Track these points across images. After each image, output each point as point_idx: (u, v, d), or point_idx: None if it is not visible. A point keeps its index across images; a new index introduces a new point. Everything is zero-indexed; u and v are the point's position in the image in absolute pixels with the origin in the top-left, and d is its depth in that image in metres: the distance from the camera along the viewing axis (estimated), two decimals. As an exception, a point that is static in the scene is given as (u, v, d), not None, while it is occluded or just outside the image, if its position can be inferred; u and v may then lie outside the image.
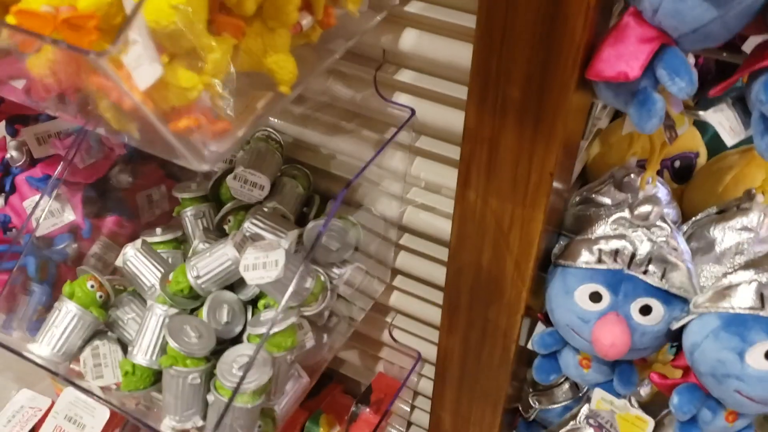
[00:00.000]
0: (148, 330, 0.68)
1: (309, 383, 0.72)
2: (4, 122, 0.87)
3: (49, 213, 0.79)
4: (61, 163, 0.71)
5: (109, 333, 0.72)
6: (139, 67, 0.37)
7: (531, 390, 0.99)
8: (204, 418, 0.66)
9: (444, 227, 0.80)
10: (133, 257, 0.73)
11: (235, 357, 0.64)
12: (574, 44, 0.56)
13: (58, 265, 0.76)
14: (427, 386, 0.99)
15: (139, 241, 0.74)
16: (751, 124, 0.60)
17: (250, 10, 0.47)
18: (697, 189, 0.87)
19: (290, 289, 0.62)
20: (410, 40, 0.67)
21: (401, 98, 0.72)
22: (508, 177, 0.67)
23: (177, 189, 0.80)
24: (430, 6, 0.66)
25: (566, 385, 0.96)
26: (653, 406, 0.84)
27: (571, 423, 0.92)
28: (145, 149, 0.47)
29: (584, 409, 0.92)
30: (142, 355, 0.67)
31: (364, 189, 0.82)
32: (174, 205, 0.91)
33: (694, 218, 0.78)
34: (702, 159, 0.89)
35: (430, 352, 0.94)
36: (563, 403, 0.97)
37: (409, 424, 1.06)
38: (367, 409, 0.93)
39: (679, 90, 0.55)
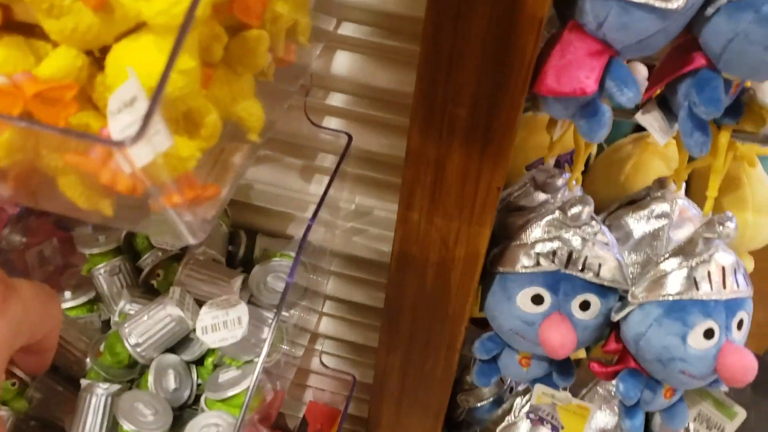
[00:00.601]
0: (89, 415, 0.59)
1: (268, 436, 0.68)
2: None
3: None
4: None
5: (32, 422, 0.63)
6: (141, 142, 0.31)
7: (457, 390, 1.00)
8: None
9: (377, 248, 0.78)
10: (50, 332, 0.63)
11: (200, 429, 0.58)
12: (525, 62, 0.56)
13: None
14: (358, 407, 0.97)
15: (54, 313, 0.65)
16: (678, 123, 0.64)
17: (217, 55, 0.42)
18: (597, 179, 0.92)
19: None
20: (343, 63, 0.64)
21: (331, 123, 0.69)
22: (454, 195, 0.66)
23: (82, 244, 0.71)
24: (361, 27, 0.63)
25: (491, 381, 0.98)
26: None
27: (507, 419, 0.95)
28: (114, 225, 0.41)
29: (518, 403, 0.95)
30: (86, 443, 0.59)
31: (286, 218, 0.78)
32: (67, 257, 0.81)
33: (608, 210, 0.82)
34: (593, 150, 0.94)
35: (362, 373, 0.92)
36: (490, 399, 1.00)
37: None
38: (308, 443, 0.89)
39: (627, 100, 0.58)
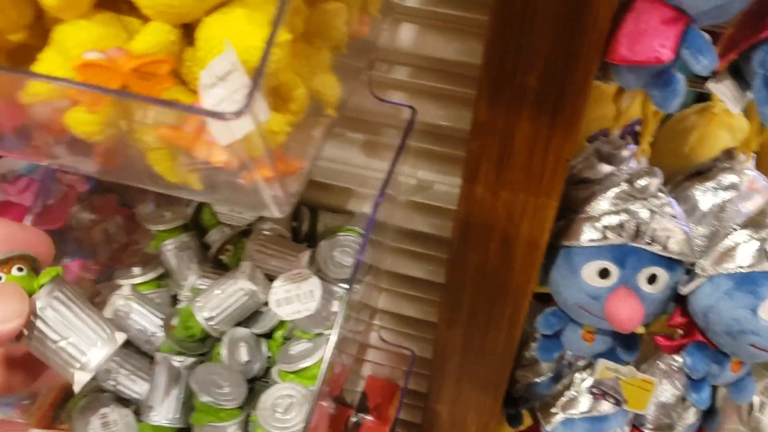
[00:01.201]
0: (164, 386, 0.61)
1: (335, 410, 0.68)
2: None
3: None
4: (29, 215, 0.61)
5: (106, 393, 0.64)
6: (246, 115, 0.31)
7: (515, 366, 1.00)
8: (245, 471, 0.61)
9: (438, 223, 0.78)
10: (124, 306, 0.65)
11: (274, 400, 0.59)
12: (599, 30, 0.55)
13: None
14: (416, 382, 0.97)
15: (126, 288, 0.66)
16: (753, 91, 0.62)
17: (299, 28, 0.42)
18: (661, 151, 0.89)
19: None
20: (407, 36, 0.64)
21: (393, 96, 0.69)
22: (521, 167, 0.65)
23: (148, 221, 0.72)
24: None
25: (550, 356, 0.97)
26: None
27: (567, 393, 0.94)
28: (201, 199, 0.41)
29: (578, 378, 0.94)
30: (163, 414, 0.60)
31: (347, 193, 0.78)
32: (130, 234, 0.83)
33: (673, 182, 0.81)
34: (655, 121, 0.92)
35: (421, 348, 0.92)
36: (549, 375, 0.99)
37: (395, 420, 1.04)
38: (369, 417, 0.90)
39: (703, 68, 0.56)
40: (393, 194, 0.76)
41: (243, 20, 0.33)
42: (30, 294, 0.34)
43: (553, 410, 0.91)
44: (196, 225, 0.73)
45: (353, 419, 0.90)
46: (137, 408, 0.63)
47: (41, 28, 0.40)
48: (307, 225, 0.74)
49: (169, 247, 0.71)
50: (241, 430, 0.59)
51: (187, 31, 0.37)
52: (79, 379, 0.31)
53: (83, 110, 0.35)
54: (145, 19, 0.36)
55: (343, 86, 0.47)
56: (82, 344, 0.32)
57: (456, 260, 0.75)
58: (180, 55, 0.36)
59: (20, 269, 0.34)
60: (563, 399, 0.94)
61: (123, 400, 0.64)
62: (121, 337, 0.33)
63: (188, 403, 0.62)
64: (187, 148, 0.35)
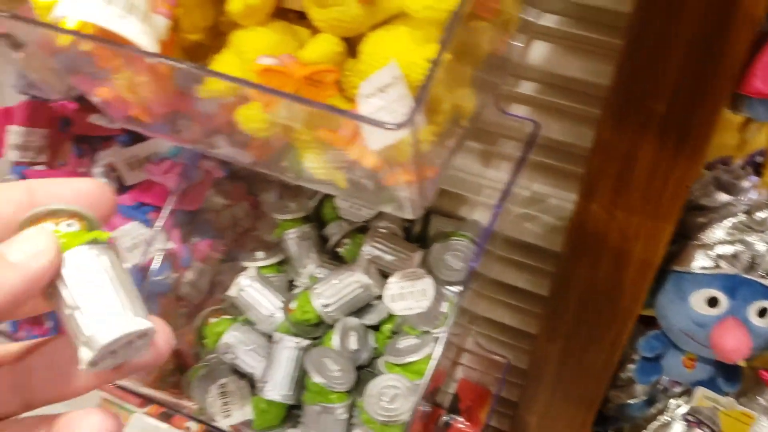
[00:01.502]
0: (280, 364, 0.65)
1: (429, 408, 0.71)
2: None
3: (142, 242, 0.76)
4: (172, 195, 0.67)
5: (224, 365, 0.70)
6: (407, 126, 0.34)
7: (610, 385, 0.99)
8: (347, 452, 0.64)
9: (547, 236, 0.79)
10: (248, 287, 0.70)
11: (380, 389, 0.62)
12: (735, 62, 0.55)
13: (159, 298, 0.73)
14: (506, 390, 0.99)
15: (252, 270, 0.71)
16: None
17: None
18: (782, 184, 0.87)
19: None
20: (538, 53, 0.66)
21: (517, 110, 0.71)
22: (640, 190, 0.66)
23: (275, 210, 0.77)
24: (561, 18, 0.64)
25: (645, 380, 0.96)
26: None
27: (660, 418, 0.93)
28: (342, 196, 0.45)
29: (673, 404, 0.93)
30: (277, 390, 0.65)
31: (459, 199, 0.81)
32: (254, 221, 0.88)
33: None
34: None
35: (515, 357, 0.94)
36: (643, 398, 0.98)
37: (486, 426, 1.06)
38: (459, 419, 0.92)
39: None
40: (507, 204, 0.78)
41: (407, 38, 0.36)
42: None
43: (644, 433, 0.90)
44: (317, 217, 0.78)
45: (444, 418, 0.93)
46: (252, 382, 0.68)
47: (215, 30, 0.45)
48: (420, 227, 0.77)
49: (291, 236, 0.75)
50: (348, 414, 0.63)
51: (348, 44, 0.41)
52: (83, 356, 0.28)
53: (256, 108, 0.39)
54: (313, 30, 0.40)
55: (478, 100, 0.50)
56: (92, 318, 0.28)
57: (563, 274, 0.76)
58: (342, 66, 0.40)
59: (69, 225, 0.31)
60: (656, 423, 0.93)
61: (239, 373, 0.70)
62: (141, 324, 0.29)
63: (300, 383, 0.66)
64: (341, 149, 0.38)
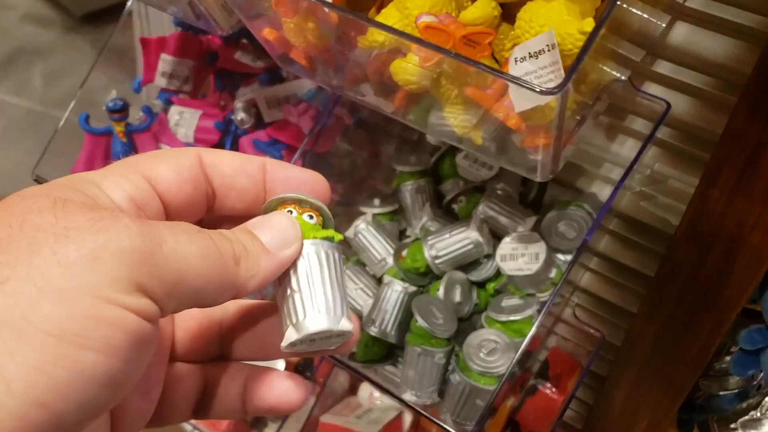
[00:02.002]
0: (387, 305, 0.69)
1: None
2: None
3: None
4: (307, 137, 0.72)
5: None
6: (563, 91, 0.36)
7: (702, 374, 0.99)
8: (440, 395, 0.68)
9: (663, 217, 0.79)
10: (364, 230, 0.74)
11: (480, 341, 0.66)
12: None
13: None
14: (597, 365, 1.00)
15: (369, 215, 0.75)
16: None
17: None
18: None
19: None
20: (680, 34, 0.65)
21: (649, 88, 0.71)
22: (765, 182, 0.65)
23: (396, 161, 0.81)
24: (709, 1, 0.63)
25: (741, 374, 0.95)
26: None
27: (752, 413, 0.92)
28: (477, 153, 0.48)
29: (767, 401, 0.92)
30: (381, 329, 0.69)
31: (578, 170, 0.82)
32: (372, 170, 0.92)
33: None
34: None
35: (610, 333, 0.94)
36: (735, 391, 0.97)
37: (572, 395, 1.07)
38: (547, 385, 0.94)
39: None
40: (626, 182, 0.78)
41: (563, 10, 0.38)
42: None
43: (732, 426, 0.90)
44: (435, 173, 0.81)
45: (532, 382, 0.95)
46: (359, 318, 0.73)
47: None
48: (535, 193, 0.78)
49: (408, 188, 0.79)
50: (446, 359, 0.67)
51: (504, 9, 0.43)
52: (288, 335, 0.30)
53: (412, 61, 0.42)
54: (473, -7, 0.43)
55: (617, 74, 0.51)
56: (308, 305, 0.30)
57: (672, 257, 0.76)
58: (496, 29, 0.42)
59: (311, 217, 0.32)
60: (746, 417, 0.92)
61: (347, 309, 0.74)
62: (346, 326, 0.30)
63: (402, 325, 0.70)
64: (487, 107, 0.41)
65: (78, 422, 0.23)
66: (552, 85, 0.37)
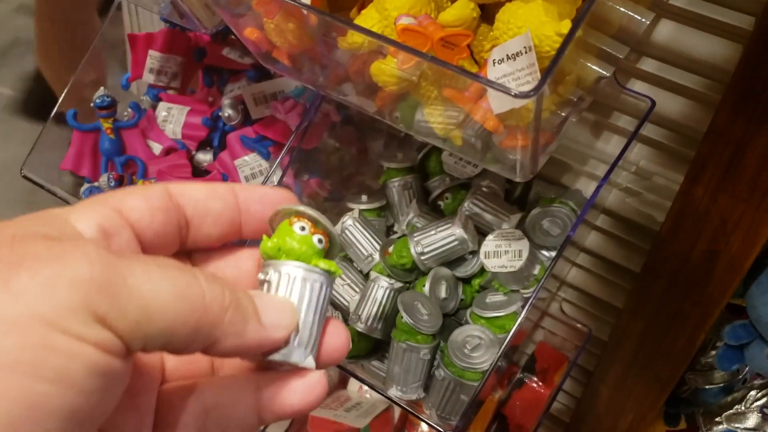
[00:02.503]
0: (373, 301, 0.70)
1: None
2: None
3: (259, 173, 0.82)
4: (294, 134, 0.72)
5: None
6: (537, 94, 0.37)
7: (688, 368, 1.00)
8: (425, 391, 0.69)
9: (648, 213, 0.80)
10: (351, 226, 0.75)
11: (464, 337, 0.66)
12: None
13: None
14: (583, 359, 1.01)
15: (357, 211, 0.76)
16: None
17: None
18: None
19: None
20: (664, 31, 0.66)
21: (634, 86, 0.71)
22: (748, 178, 0.66)
23: (383, 158, 0.81)
24: (695, 1, 0.63)
25: (726, 368, 0.96)
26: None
27: (736, 407, 0.93)
28: (459, 153, 0.48)
29: (752, 395, 0.93)
30: (366, 324, 0.70)
31: (563, 167, 0.82)
32: (359, 166, 0.92)
33: None
34: None
35: (597, 327, 0.95)
36: (720, 385, 0.98)
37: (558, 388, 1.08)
38: (534, 378, 0.95)
39: None
40: (612, 178, 0.79)
41: (541, 12, 0.38)
42: (300, 257, 0.31)
43: (717, 419, 0.91)
44: (422, 170, 0.81)
45: (519, 376, 0.96)
46: (345, 314, 0.74)
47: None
48: (520, 190, 0.79)
49: (395, 184, 0.79)
50: (431, 355, 0.67)
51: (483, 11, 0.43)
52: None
53: (390, 63, 0.42)
54: (451, -6, 0.43)
55: (599, 72, 0.51)
56: (292, 335, 0.30)
57: (657, 252, 0.77)
58: (475, 30, 0.42)
59: (320, 241, 0.31)
60: (730, 411, 0.93)
61: (333, 305, 0.75)
62: (310, 364, 0.30)
63: (388, 321, 0.70)
64: (464, 108, 0.41)
65: None
66: (528, 87, 0.37)
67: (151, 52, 0.82)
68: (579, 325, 0.95)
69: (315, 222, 0.31)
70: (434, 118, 0.46)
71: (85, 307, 0.22)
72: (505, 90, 0.36)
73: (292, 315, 0.30)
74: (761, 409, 0.86)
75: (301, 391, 0.30)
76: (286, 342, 0.30)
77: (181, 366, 0.33)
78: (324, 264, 0.31)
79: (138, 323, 0.23)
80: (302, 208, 0.31)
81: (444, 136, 0.47)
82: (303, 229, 0.31)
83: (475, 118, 0.41)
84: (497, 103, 0.39)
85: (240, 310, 0.27)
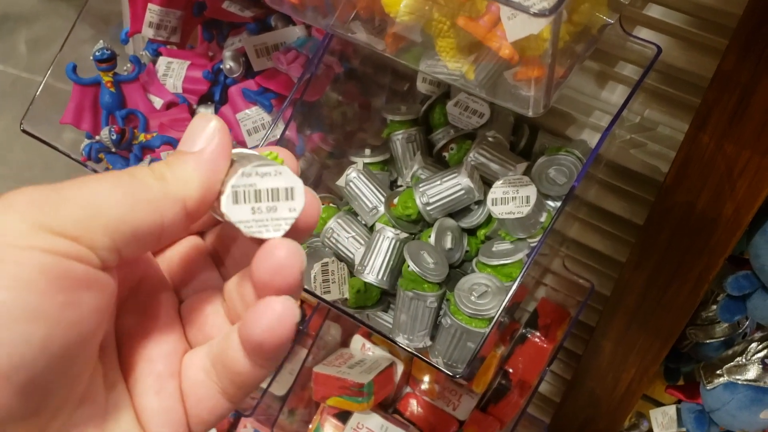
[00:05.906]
0: (379, 251, 0.70)
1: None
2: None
3: (261, 126, 0.81)
4: (297, 85, 0.71)
5: (327, 248, 0.75)
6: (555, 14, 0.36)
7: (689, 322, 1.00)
8: (432, 339, 0.69)
9: (652, 165, 0.80)
10: (355, 179, 0.74)
11: (471, 285, 0.66)
12: None
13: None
14: (586, 315, 1.01)
15: (360, 163, 0.75)
16: None
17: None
18: None
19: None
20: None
21: (640, 33, 0.71)
22: (754, 125, 0.65)
23: (387, 110, 0.80)
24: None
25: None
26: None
27: (738, 360, 0.94)
28: (467, 88, 0.47)
29: (753, 347, 0.93)
30: (373, 274, 0.70)
31: (568, 118, 0.82)
32: (363, 121, 0.92)
33: None
34: None
35: (600, 282, 0.96)
36: (721, 339, 0.99)
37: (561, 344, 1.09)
38: (537, 333, 0.96)
39: None
40: (616, 129, 0.78)
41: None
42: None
43: (718, 372, 0.91)
44: (426, 122, 0.80)
45: (522, 331, 0.96)
46: (350, 266, 0.73)
47: None
48: (525, 141, 0.79)
49: (399, 137, 0.79)
50: (438, 303, 0.67)
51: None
52: (227, 183, 0.29)
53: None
54: None
55: (608, 12, 0.51)
56: (252, 160, 0.29)
57: (661, 203, 0.77)
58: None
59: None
60: (731, 364, 0.94)
61: (339, 257, 0.75)
62: (295, 179, 0.29)
63: (395, 270, 0.70)
64: (480, 38, 0.41)
65: (25, 367, 0.23)
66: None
67: (150, 5, 0.81)
68: (581, 281, 0.95)
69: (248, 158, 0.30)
70: (446, 53, 0.46)
71: (29, 221, 0.24)
72: (523, 9, 0.35)
73: (205, 120, 0.30)
74: (762, 360, 0.87)
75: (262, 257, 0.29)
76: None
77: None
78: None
79: (90, 220, 0.25)
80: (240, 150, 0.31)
81: (456, 70, 0.46)
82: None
83: (489, 46, 0.40)
84: (512, 29, 0.39)
85: (173, 165, 0.28)
